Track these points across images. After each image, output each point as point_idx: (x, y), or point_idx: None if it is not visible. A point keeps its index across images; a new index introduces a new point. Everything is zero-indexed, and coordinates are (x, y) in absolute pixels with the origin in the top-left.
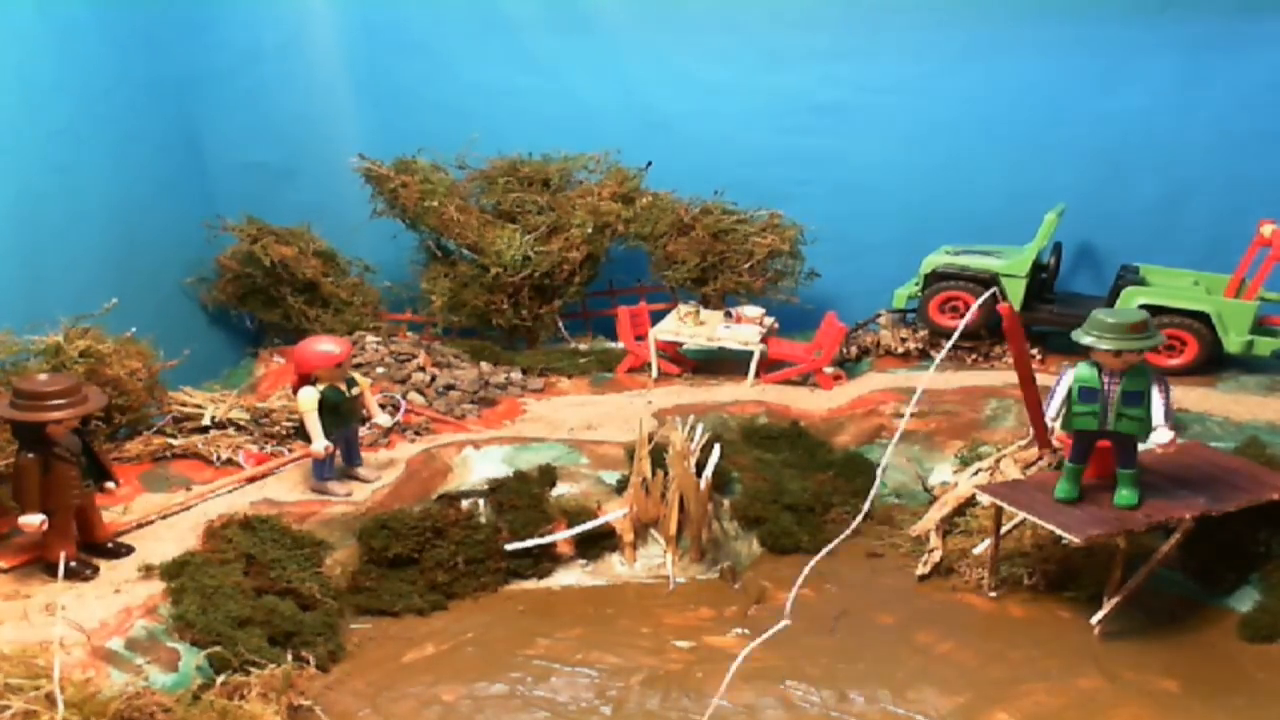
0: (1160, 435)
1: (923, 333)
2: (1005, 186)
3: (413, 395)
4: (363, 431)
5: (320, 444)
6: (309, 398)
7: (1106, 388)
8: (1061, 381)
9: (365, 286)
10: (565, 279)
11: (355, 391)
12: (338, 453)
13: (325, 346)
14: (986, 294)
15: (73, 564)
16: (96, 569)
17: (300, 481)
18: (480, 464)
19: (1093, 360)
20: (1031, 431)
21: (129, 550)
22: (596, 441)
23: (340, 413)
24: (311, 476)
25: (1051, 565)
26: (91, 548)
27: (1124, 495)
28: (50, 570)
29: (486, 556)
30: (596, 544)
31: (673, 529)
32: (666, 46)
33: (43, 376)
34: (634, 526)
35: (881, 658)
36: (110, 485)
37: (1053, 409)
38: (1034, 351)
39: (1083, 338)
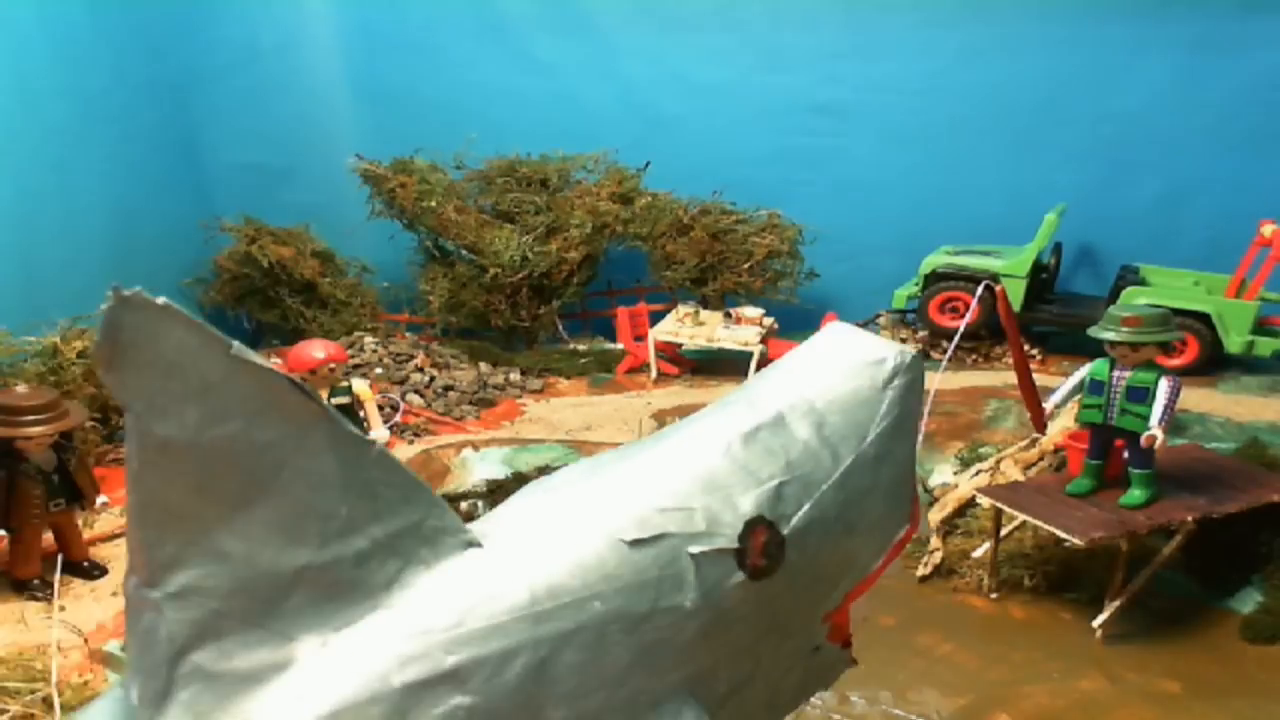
0: (1146, 433)
1: (923, 333)
2: (1005, 186)
3: (411, 396)
4: None
5: None
6: None
7: (1114, 381)
8: (1080, 371)
9: (363, 287)
10: (564, 279)
11: (338, 401)
12: None
13: (309, 350)
14: (981, 289)
15: (35, 581)
16: (50, 592)
17: None
18: (479, 465)
19: (1110, 354)
20: (1031, 434)
21: (102, 571)
22: (596, 443)
23: None
24: None
25: (1052, 567)
26: (71, 566)
27: (1131, 495)
28: (18, 588)
29: None
30: None
31: None
32: (665, 46)
33: (21, 389)
34: None
35: (882, 659)
36: (97, 502)
37: (1058, 394)
38: (1034, 352)
39: (1092, 330)
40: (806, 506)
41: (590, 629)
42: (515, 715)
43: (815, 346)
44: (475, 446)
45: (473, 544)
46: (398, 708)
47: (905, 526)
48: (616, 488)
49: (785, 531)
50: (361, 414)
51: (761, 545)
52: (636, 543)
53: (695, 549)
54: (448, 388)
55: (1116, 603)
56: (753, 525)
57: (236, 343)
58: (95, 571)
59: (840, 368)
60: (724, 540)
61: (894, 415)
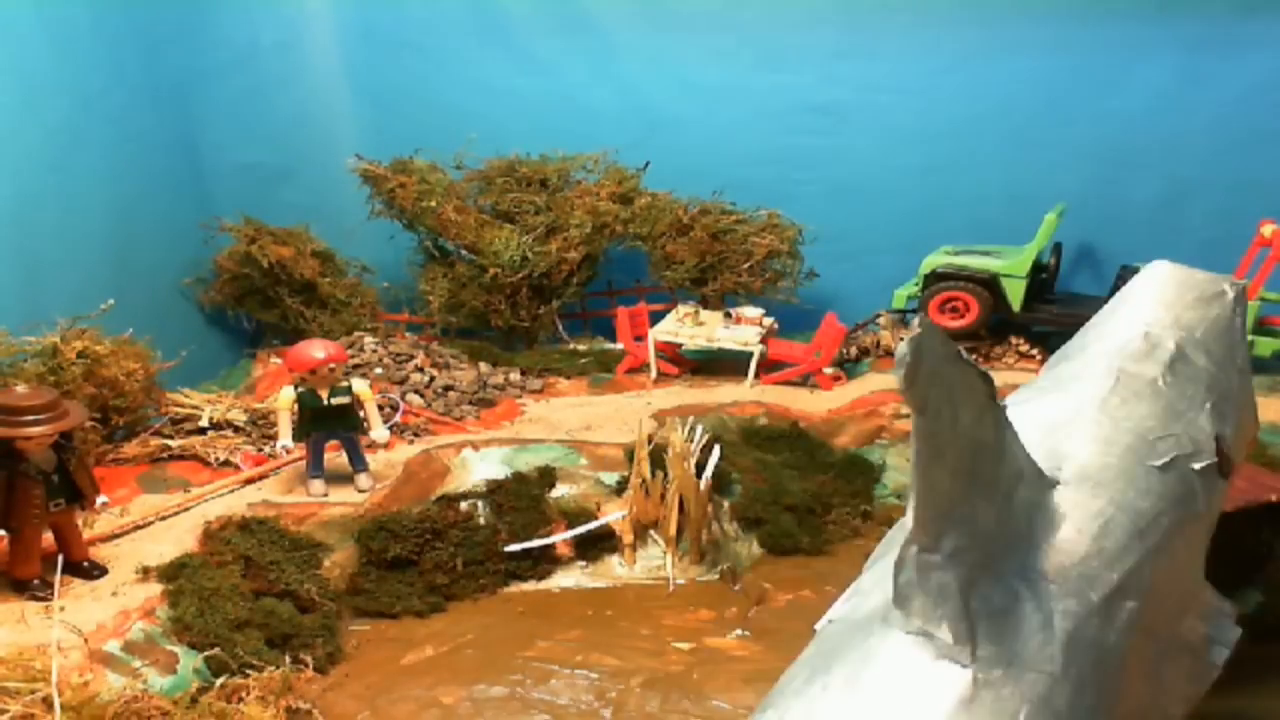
0: None
1: None
2: (1005, 186)
3: (411, 396)
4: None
5: (280, 442)
6: (284, 396)
7: None
8: None
9: (363, 287)
10: (564, 279)
11: (337, 401)
12: (343, 454)
13: (309, 350)
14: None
15: (35, 581)
16: (50, 591)
17: (299, 483)
18: (479, 465)
19: None
20: None
21: (102, 572)
22: (596, 443)
23: (318, 418)
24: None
25: None
26: (72, 566)
27: None
28: (18, 588)
29: (485, 558)
30: (596, 545)
31: (672, 530)
32: (665, 46)
33: (21, 388)
34: (633, 528)
35: None
36: (97, 502)
37: None
38: (1034, 352)
39: None
40: (1230, 420)
41: (1166, 539)
42: (1154, 605)
43: (1156, 283)
44: (475, 446)
45: (1055, 484)
46: (1105, 616)
47: (1256, 429)
48: (1106, 422)
49: (1227, 442)
50: (361, 414)
51: (1225, 455)
52: (1163, 467)
53: (1196, 465)
54: (448, 388)
55: None
56: (1218, 441)
57: (958, 346)
58: (95, 571)
59: (1195, 301)
60: (1208, 456)
61: (1246, 336)
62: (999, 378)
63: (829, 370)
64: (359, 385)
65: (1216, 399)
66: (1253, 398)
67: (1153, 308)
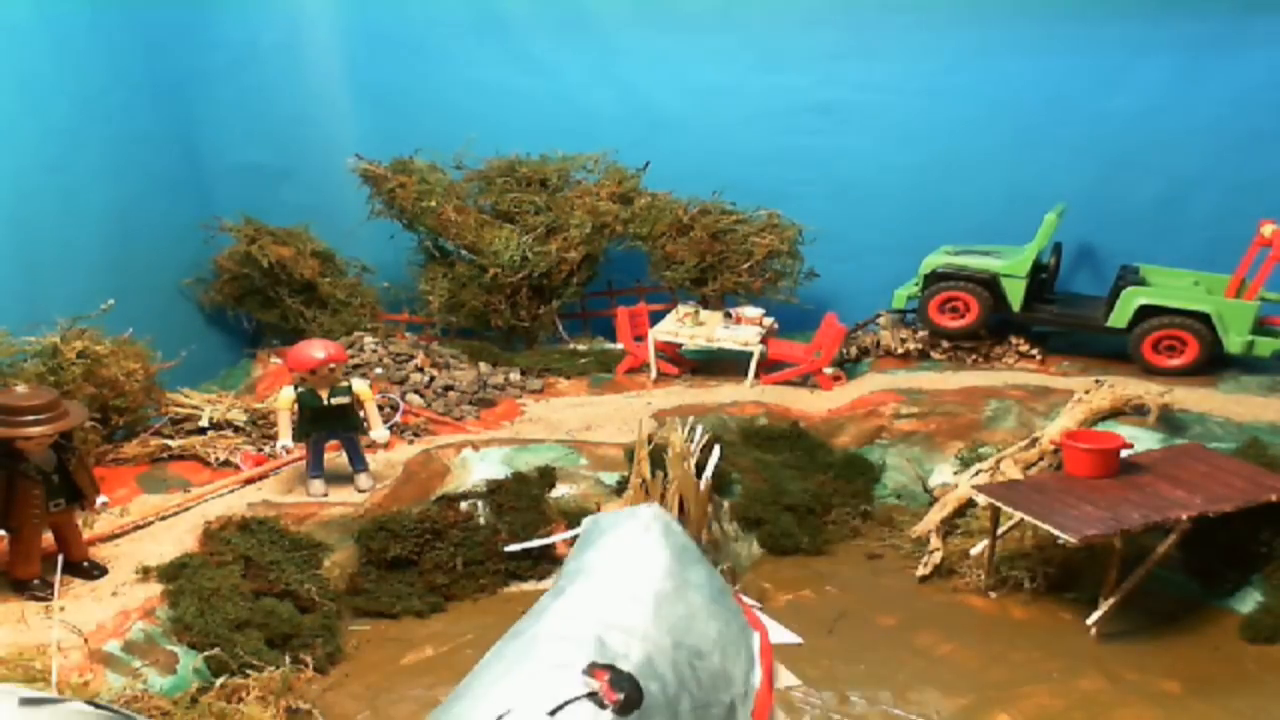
0: None
1: (922, 333)
2: (1005, 186)
3: (411, 396)
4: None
5: (280, 442)
6: (284, 396)
7: None
8: None
9: (363, 287)
10: (563, 279)
11: (337, 401)
12: (343, 454)
13: (309, 350)
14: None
15: (35, 581)
16: (50, 591)
17: (299, 483)
18: (479, 465)
19: None
20: (1031, 434)
21: (102, 572)
22: (596, 443)
23: (319, 418)
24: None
25: (1053, 567)
26: (71, 566)
27: None
28: (18, 588)
29: (485, 558)
30: None
31: None
32: (665, 46)
33: (21, 389)
34: None
35: (882, 659)
36: (97, 502)
37: None
38: (1034, 352)
39: None
40: (636, 643)
41: None
42: None
43: (580, 536)
44: (475, 446)
45: None
46: None
47: (755, 635)
48: (468, 687)
49: (628, 668)
50: (361, 414)
51: (608, 683)
52: None
53: (549, 708)
54: (448, 388)
55: (1111, 600)
56: (589, 670)
57: None
58: (95, 571)
59: (605, 535)
60: (569, 692)
61: (668, 551)
62: (999, 378)
63: (829, 370)
64: (359, 385)
65: (605, 629)
66: (715, 603)
67: (573, 555)
